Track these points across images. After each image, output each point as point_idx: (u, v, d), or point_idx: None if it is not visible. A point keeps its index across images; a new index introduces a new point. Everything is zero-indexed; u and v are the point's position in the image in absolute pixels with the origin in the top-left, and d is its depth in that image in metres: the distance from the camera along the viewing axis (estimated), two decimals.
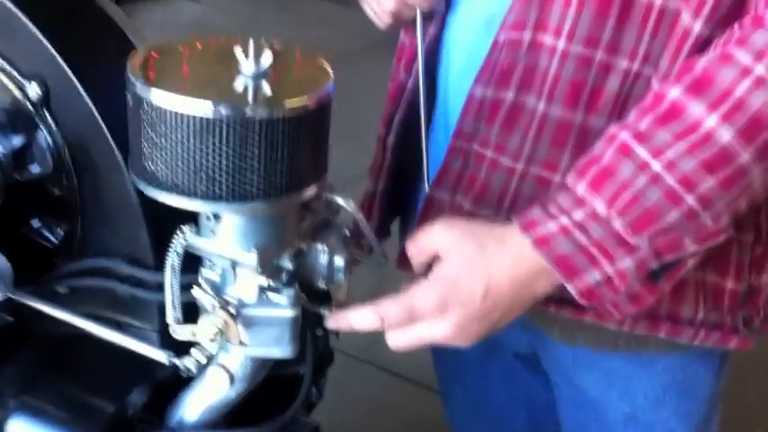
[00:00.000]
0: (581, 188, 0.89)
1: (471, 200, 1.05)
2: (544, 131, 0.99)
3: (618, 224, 0.87)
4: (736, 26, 0.89)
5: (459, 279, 0.90)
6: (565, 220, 0.89)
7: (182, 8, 5.15)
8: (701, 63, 0.87)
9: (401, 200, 1.25)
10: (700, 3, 0.90)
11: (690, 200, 0.86)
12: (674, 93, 0.87)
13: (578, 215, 0.88)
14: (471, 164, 1.04)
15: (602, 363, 1.14)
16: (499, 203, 1.03)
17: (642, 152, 0.86)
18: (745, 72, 0.84)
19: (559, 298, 0.96)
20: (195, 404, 0.95)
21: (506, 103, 1.00)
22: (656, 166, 0.85)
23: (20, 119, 0.93)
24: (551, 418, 1.38)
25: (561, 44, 0.95)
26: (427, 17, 1.11)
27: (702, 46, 0.91)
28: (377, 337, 2.80)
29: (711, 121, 0.84)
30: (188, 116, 0.74)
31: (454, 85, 1.11)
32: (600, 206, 0.87)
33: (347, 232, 0.89)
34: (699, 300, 1.04)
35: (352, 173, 0.83)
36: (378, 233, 1.22)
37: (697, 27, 0.90)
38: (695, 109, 0.85)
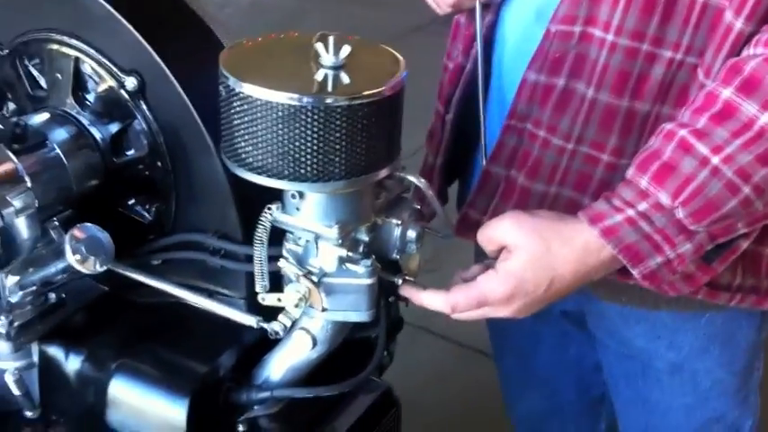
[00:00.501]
0: (644, 182, 0.96)
1: (525, 175, 1.12)
2: (593, 115, 1.05)
3: (681, 213, 0.94)
4: None
5: (527, 276, 0.97)
6: (630, 212, 0.96)
7: None
8: (750, 65, 0.94)
9: (458, 170, 1.33)
10: (741, 2, 0.95)
11: (746, 189, 0.93)
12: (727, 93, 0.94)
13: (642, 206, 0.95)
14: (525, 142, 1.11)
15: (650, 317, 1.21)
16: (550, 179, 1.11)
17: (702, 148, 0.93)
18: None
19: None
20: (280, 365, 1.04)
21: (558, 89, 1.07)
22: (716, 160, 0.93)
23: (117, 108, 1.03)
24: (598, 379, 1.45)
25: (610, 37, 1.02)
26: (485, 7, 1.17)
27: (743, 40, 0.97)
28: None
29: (764, 119, 0.92)
30: (276, 105, 0.82)
31: (508, 68, 1.17)
32: (665, 198, 0.94)
33: (418, 207, 0.97)
34: (737, 266, 1.11)
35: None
36: (440, 201, 1.29)
37: (738, 24, 0.96)
38: (748, 108, 0.93)
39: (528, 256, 0.97)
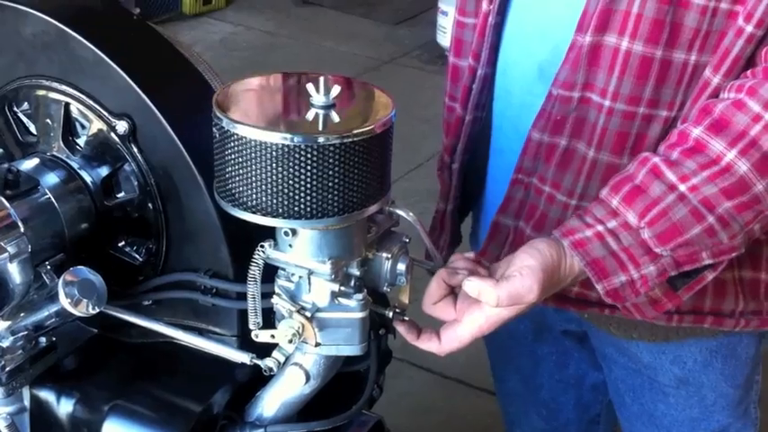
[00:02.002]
0: (615, 201, 1.01)
1: (532, 227, 1.17)
2: (594, 173, 1.11)
3: (647, 234, 0.99)
4: (749, 74, 1.01)
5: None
6: (600, 228, 1.01)
7: (210, 27, 5.25)
8: (719, 108, 1.00)
9: (465, 212, 1.39)
10: (720, 61, 1.02)
11: (710, 219, 0.98)
12: (697, 132, 1.00)
13: (612, 224, 1.01)
14: (531, 195, 1.16)
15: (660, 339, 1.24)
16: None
17: (671, 175, 0.99)
18: (757, 118, 0.98)
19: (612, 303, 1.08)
20: (273, 401, 1.05)
21: (560, 148, 1.12)
22: (683, 187, 0.98)
23: (108, 151, 1.04)
24: (596, 398, 1.48)
25: (607, 102, 1.07)
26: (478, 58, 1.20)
27: (715, 91, 1.03)
28: None
29: (730, 156, 0.98)
30: (270, 145, 0.84)
31: (513, 121, 1.21)
32: (632, 217, 1.00)
33: (407, 240, 0.99)
34: (738, 294, 1.16)
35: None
36: (451, 243, 1.36)
37: (716, 80, 1.03)
38: (716, 145, 0.99)
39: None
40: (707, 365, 1.26)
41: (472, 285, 0.98)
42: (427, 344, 1.03)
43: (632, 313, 1.11)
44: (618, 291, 1.01)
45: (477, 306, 1.00)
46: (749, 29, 0.99)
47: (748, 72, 1.01)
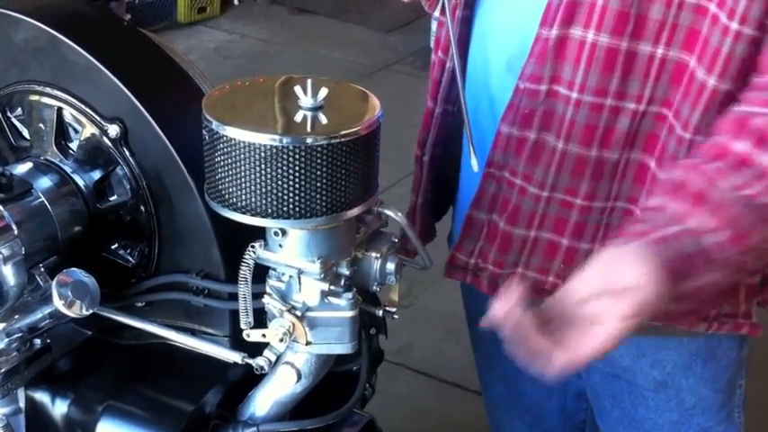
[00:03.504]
0: (674, 207, 0.95)
1: (505, 220, 1.17)
2: (564, 164, 1.11)
3: (715, 238, 0.92)
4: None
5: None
6: (660, 232, 0.93)
7: (205, 36, 5.26)
8: (756, 122, 0.97)
9: (442, 208, 1.38)
10: (711, 62, 1.01)
11: None
12: (741, 147, 0.96)
13: (673, 230, 0.93)
14: (504, 189, 1.17)
15: (634, 336, 1.24)
16: (529, 223, 1.16)
17: (726, 183, 0.94)
18: None
19: None
20: (265, 400, 1.06)
21: (530, 141, 1.12)
22: (740, 194, 0.94)
23: (100, 155, 1.06)
24: (580, 406, 1.49)
25: (574, 95, 1.08)
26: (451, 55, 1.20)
27: (721, 97, 1.02)
28: (410, 340, 2.92)
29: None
30: (259, 147, 0.86)
31: (485, 115, 1.21)
32: (698, 221, 0.93)
33: (396, 240, 1.01)
34: (715, 298, 1.13)
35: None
36: (423, 237, 1.34)
37: (712, 81, 1.02)
38: (763, 159, 0.95)
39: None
40: (686, 369, 1.26)
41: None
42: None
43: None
44: (687, 296, 0.93)
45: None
46: (734, 26, 0.99)
47: (762, 82, 1.00)
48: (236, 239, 0.98)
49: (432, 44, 1.31)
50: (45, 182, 1.05)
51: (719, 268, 0.94)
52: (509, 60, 1.16)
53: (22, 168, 1.06)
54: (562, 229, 1.15)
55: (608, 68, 1.05)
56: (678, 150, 1.06)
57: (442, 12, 1.23)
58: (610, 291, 0.89)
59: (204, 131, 0.90)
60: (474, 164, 1.10)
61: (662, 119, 1.08)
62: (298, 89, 0.90)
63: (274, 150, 0.86)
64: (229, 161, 0.87)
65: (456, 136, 1.28)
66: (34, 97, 1.07)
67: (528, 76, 1.10)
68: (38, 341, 1.08)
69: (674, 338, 1.24)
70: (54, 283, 0.98)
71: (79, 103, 1.04)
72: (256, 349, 1.00)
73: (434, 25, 4.82)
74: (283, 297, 0.97)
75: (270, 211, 0.88)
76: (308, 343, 0.97)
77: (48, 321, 1.04)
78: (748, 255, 0.96)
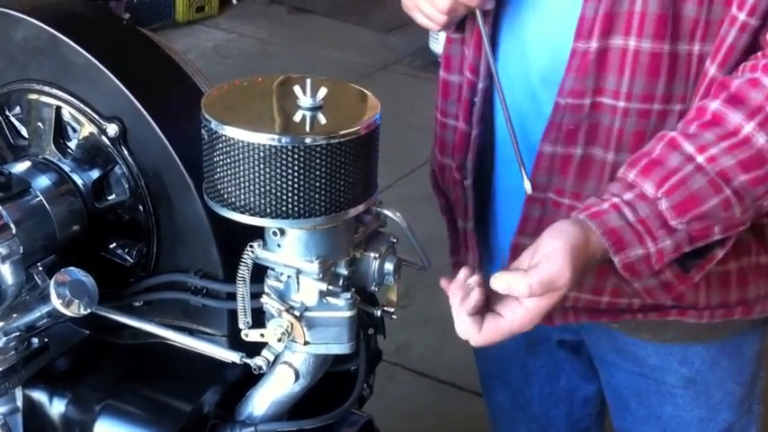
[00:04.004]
0: (632, 175, 1.01)
1: None
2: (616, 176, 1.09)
3: (664, 205, 0.98)
4: (759, 55, 1.01)
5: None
6: (615, 200, 1.00)
7: (203, 35, 5.26)
8: (735, 83, 1.01)
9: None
10: (716, 50, 1.03)
11: (727, 191, 0.98)
12: (714, 105, 1.01)
13: (628, 196, 1.00)
14: (549, 210, 1.15)
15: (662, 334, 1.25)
16: None
17: (689, 147, 0.99)
18: None
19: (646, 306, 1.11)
20: (263, 400, 1.06)
21: (576, 158, 1.11)
22: (701, 158, 0.98)
23: (99, 154, 1.06)
24: (588, 411, 1.49)
25: (621, 104, 1.07)
26: (486, 12, 1.18)
27: (712, 82, 1.04)
28: (408, 341, 2.93)
29: (749, 128, 0.98)
30: (257, 146, 0.86)
31: (519, 133, 1.18)
32: (649, 188, 0.99)
33: (394, 240, 1.01)
34: (758, 279, 1.17)
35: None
36: (479, 263, 1.31)
37: (712, 70, 1.04)
38: (734, 117, 0.99)
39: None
40: (714, 364, 1.27)
41: (500, 280, 0.96)
42: (466, 329, 0.98)
43: (643, 296, 1.10)
44: (634, 264, 0.99)
45: (514, 301, 0.97)
46: (742, 17, 1.00)
47: (759, 54, 1.02)
48: (235, 239, 0.98)
49: (431, 46, 1.29)
50: (43, 181, 1.04)
51: (672, 234, 0.98)
52: (542, 74, 1.15)
53: (20, 167, 1.06)
54: None
55: (653, 73, 1.05)
56: None
57: (457, 29, 1.22)
58: (544, 286, 0.95)
59: (203, 131, 0.90)
60: (527, 186, 1.11)
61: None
62: (297, 89, 0.90)
63: (273, 150, 0.86)
64: (228, 161, 0.87)
65: (488, 156, 1.26)
66: (33, 96, 1.07)
67: (569, 92, 1.09)
68: (35, 340, 1.08)
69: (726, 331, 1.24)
70: (52, 282, 0.98)
71: (78, 102, 1.04)
72: (254, 349, 1.00)
73: (440, 38, 4.77)
74: (282, 297, 0.97)
75: (268, 210, 0.88)
76: (306, 343, 0.97)
77: (46, 320, 1.04)
78: (702, 222, 0.99)
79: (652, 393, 1.31)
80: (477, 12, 1.13)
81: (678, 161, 0.99)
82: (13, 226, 0.98)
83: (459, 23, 1.23)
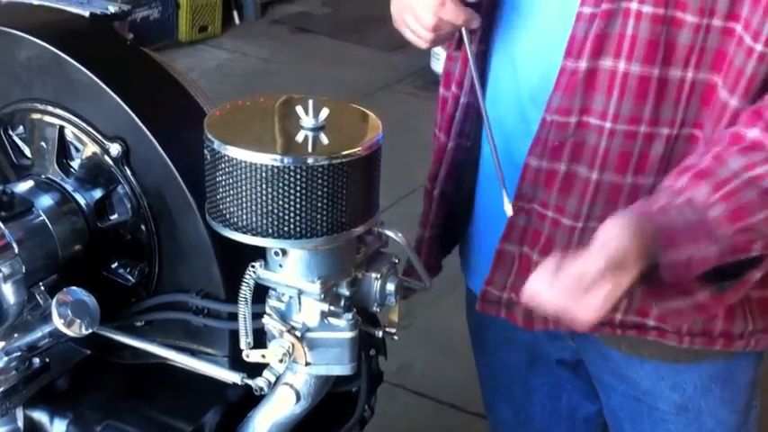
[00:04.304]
0: (681, 183, 0.99)
1: (539, 252, 1.17)
2: (599, 194, 1.11)
3: (716, 211, 0.97)
4: None
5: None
6: (664, 202, 0.98)
7: (206, 54, 5.28)
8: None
9: (451, 242, 1.37)
10: (735, 82, 1.03)
11: None
12: (753, 133, 1.00)
13: (678, 201, 0.98)
14: (534, 221, 1.16)
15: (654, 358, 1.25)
16: (564, 253, 1.12)
17: (736, 164, 0.99)
18: None
19: (626, 323, 1.10)
20: (264, 421, 1.05)
21: (560, 173, 1.12)
22: (748, 175, 0.98)
23: (101, 174, 1.06)
24: (589, 430, 1.48)
25: (608, 125, 1.08)
26: (473, 31, 1.19)
27: (735, 113, 1.04)
28: (409, 361, 2.92)
29: None
30: (260, 166, 0.86)
31: (507, 147, 1.20)
32: (701, 194, 0.97)
33: (396, 261, 1.01)
34: (746, 314, 1.17)
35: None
36: (430, 271, 1.29)
37: (734, 102, 1.04)
38: None
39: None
40: (706, 391, 1.27)
41: (572, 272, 0.94)
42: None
43: (678, 319, 1.11)
44: (675, 267, 0.98)
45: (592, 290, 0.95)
46: (759, 48, 1.00)
47: None
48: (237, 259, 0.98)
49: (433, 66, 1.30)
50: (46, 200, 1.05)
51: (717, 242, 0.97)
52: (532, 93, 1.16)
53: (23, 186, 1.06)
54: None
55: (641, 96, 1.06)
56: None
57: (457, 47, 1.23)
58: (609, 267, 0.93)
59: (206, 151, 0.90)
60: (508, 209, 1.11)
61: (694, 140, 1.09)
62: (299, 109, 0.90)
63: (275, 170, 0.86)
64: (231, 181, 0.88)
65: (469, 170, 1.28)
66: (36, 116, 1.07)
67: (555, 109, 1.10)
68: (37, 360, 1.08)
69: (694, 360, 1.24)
70: (54, 301, 0.98)
71: (81, 122, 1.04)
72: (256, 370, 1.00)
73: (441, 58, 4.80)
74: (283, 317, 0.97)
75: (270, 230, 0.88)
76: (307, 364, 0.97)
77: (47, 340, 1.04)
78: (747, 235, 0.98)
79: (645, 417, 1.31)
80: (463, 30, 1.13)
81: (728, 173, 0.98)
82: (15, 245, 0.98)
83: (460, 42, 1.23)
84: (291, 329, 0.96)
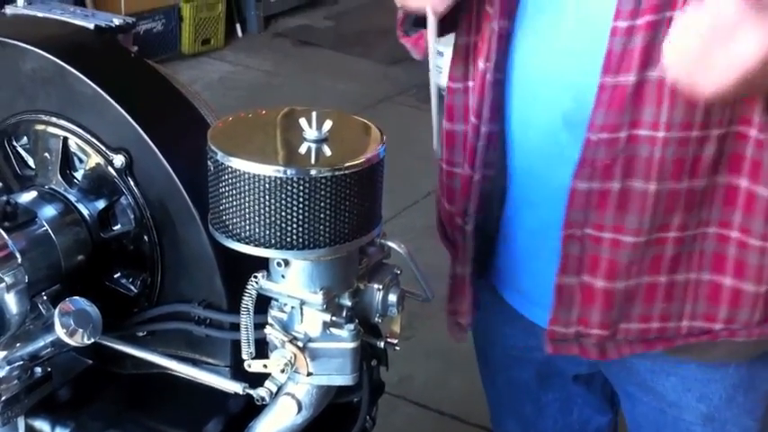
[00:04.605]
0: None
1: (602, 277, 1.15)
2: (658, 205, 1.11)
3: None
4: None
5: None
6: None
7: (209, 67, 5.30)
8: None
9: (484, 274, 1.34)
10: None
11: None
12: None
13: None
14: (589, 246, 1.15)
15: (679, 371, 1.26)
16: (628, 273, 1.14)
17: None
18: None
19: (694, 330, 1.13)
20: (265, 431, 1.06)
21: (614, 192, 1.11)
22: None
23: (105, 185, 1.06)
24: None
25: (661, 134, 1.07)
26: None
27: None
28: (410, 372, 2.92)
29: None
30: (263, 178, 0.87)
31: (535, 172, 1.19)
32: None
33: (398, 272, 1.01)
34: None
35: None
36: (474, 306, 1.32)
37: None
38: None
39: None
40: (731, 401, 1.27)
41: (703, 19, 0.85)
42: None
43: None
44: None
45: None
46: None
47: None
48: (239, 270, 0.98)
49: (442, 90, 1.28)
50: (49, 211, 1.05)
51: None
52: (565, 116, 1.14)
53: (26, 197, 1.06)
54: (658, 268, 1.14)
55: (691, 102, 1.05)
56: (762, 155, 1.08)
57: (460, 78, 1.22)
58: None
59: (209, 162, 0.90)
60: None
61: (742, 137, 1.09)
62: (302, 121, 0.91)
63: (279, 181, 0.86)
64: (234, 192, 0.88)
65: (496, 199, 1.26)
66: (40, 127, 1.08)
67: (601, 127, 1.09)
68: (39, 369, 1.08)
69: (721, 370, 1.25)
70: (56, 311, 0.98)
71: (85, 133, 1.05)
72: (257, 380, 1.00)
73: (437, 60, 4.81)
74: (285, 328, 0.97)
75: (273, 241, 0.89)
76: (309, 374, 0.97)
77: (49, 350, 1.04)
78: None
79: (670, 428, 1.31)
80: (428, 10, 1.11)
81: None
82: (18, 255, 0.99)
83: (462, 72, 1.23)
84: (293, 340, 0.96)
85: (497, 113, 1.20)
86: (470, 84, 1.23)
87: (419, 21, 1.21)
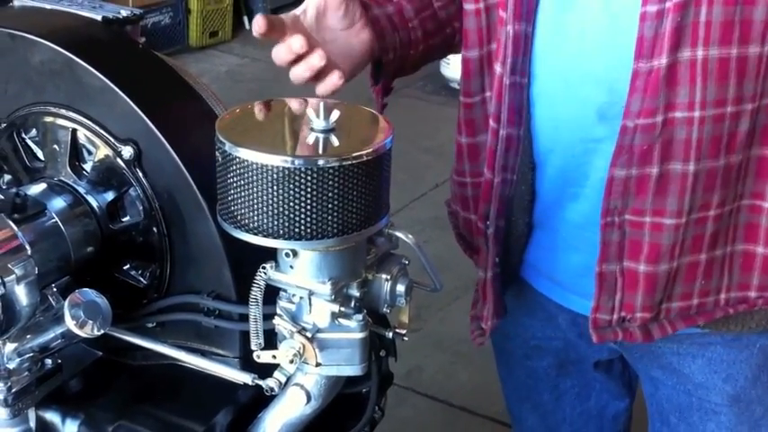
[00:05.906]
0: None
1: (645, 262, 1.15)
2: (698, 184, 1.11)
3: None
4: None
5: None
6: None
7: (216, 60, 5.30)
8: None
9: (510, 278, 1.34)
10: None
11: None
12: None
13: None
14: (629, 232, 1.15)
15: (706, 352, 1.27)
16: (671, 256, 1.14)
17: None
18: None
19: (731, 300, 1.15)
20: (274, 422, 1.06)
21: (653, 176, 1.11)
22: None
23: (113, 176, 1.07)
24: (617, 428, 1.50)
25: (697, 113, 1.08)
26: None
27: None
28: (420, 364, 2.92)
29: None
30: (271, 168, 0.87)
31: (570, 162, 1.19)
32: None
33: (406, 262, 1.01)
34: None
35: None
36: (497, 313, 1.31)
37: None
38: None
39: None
40: (756, 380, 1.28)
41: None
42: None
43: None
44: None
45: None
46: None
47: None
48: (248, 260, 0.99)
49: (443, 71, 1.28)
50: (58, 202, 1.05)
51: None
52: (599, 110, 1.14)
53: (36, 189, 1.07)
54: (699, 247, 1.15)
55: (722, 78, 1.06)
56: None
57: (476, 92, 1.22)
58: None
59: (217, 153, 0.91)
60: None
61: None
62: (310, 111, 0.91)
63: (287, 172, 0.86)
64: (242, 182, 0.88)
65: (519, 202, 1.25)
66: (49, 119, 1.08)
67: (637, 113, 1.09)
68: (49, 361, 1.08)
69: (746, 350, 1.25)
70: (66, 303, 0.99)
71: (94, 125, 1.05)
72: (266, 370, 1.01)
73: (451, 62, 4.69)
74: (294, 318, 0.97)
75: (281, 232, 0.89)
76: (318, 364, 0.97)
77: (59, 341, 1.05)
78: None
79: (695, 410, 1.31)
80: None
81: None
82: (28, 247, 0.99)
83: (479, 85, 1.23)
84: (302, 330, 0.96)
85: (517, 116, 1.19)
86: (488, 95, 1.23)
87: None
